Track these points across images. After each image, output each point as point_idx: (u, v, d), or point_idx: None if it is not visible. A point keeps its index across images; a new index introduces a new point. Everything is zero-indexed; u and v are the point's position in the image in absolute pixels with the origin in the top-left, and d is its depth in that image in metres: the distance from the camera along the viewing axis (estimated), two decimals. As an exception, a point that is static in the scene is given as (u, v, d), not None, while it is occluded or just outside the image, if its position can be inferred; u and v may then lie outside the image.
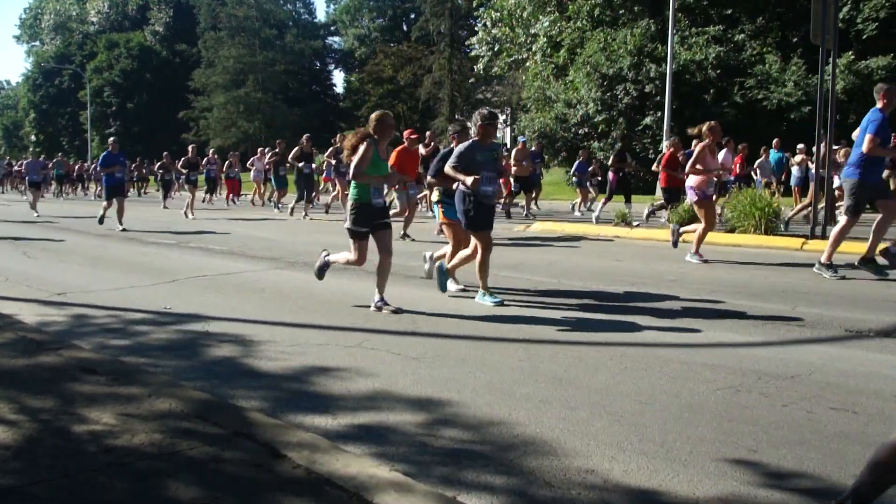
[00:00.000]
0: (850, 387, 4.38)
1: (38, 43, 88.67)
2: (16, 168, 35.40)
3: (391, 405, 4.11)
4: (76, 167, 37.57)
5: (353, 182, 6.74)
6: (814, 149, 13.00)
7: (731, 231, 12.49)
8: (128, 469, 3.02)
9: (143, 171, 36.56)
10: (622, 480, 3.14)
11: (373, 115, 6.88)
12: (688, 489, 3.05)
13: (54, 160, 32.97)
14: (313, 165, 19.22)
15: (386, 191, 12.97)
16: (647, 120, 26.74)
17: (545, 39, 33.11)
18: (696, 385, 4.44)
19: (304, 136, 19.28)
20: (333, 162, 19.13)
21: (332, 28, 78.58)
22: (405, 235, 12.58)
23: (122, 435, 3.37)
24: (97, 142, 69.54)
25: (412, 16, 70.15)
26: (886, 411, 3.98)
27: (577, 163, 20.24)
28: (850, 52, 25.15)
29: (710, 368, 4.79)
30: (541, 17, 33.79)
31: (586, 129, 28.80)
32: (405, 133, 12.85)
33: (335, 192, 20.49)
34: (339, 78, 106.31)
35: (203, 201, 25.17)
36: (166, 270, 9.30)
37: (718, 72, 26.87)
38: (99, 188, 32.42)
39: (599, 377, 4.63)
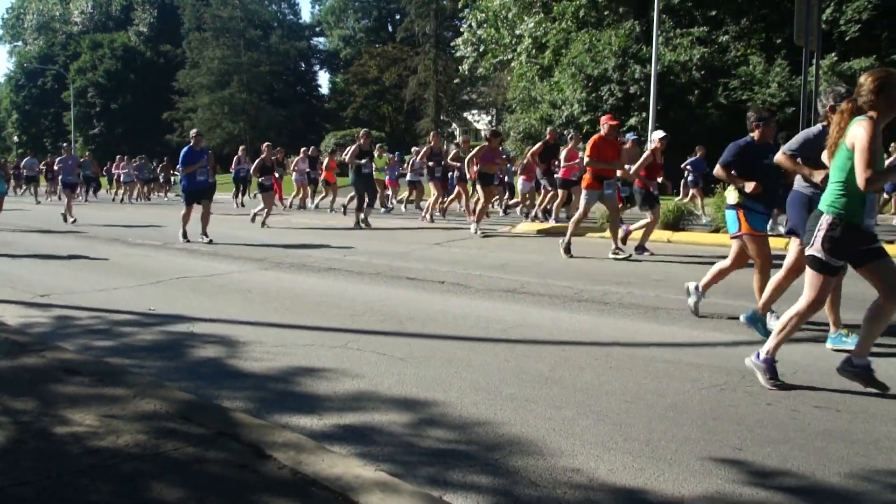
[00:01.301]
0: (834, 385, 4.40)
1: (20, 43, 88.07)
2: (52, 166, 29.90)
3: (377, 405, 4.11)
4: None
5: (838, 193, 4.20)
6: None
7: (716, 231, 12.55)
8: (112, 471, 3.00)
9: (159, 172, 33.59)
10: (607, 479, 3.15)
11: (868, 79, 4.11)
12: (673, 488, 3.07)
13: (82, 160, 30.63)
14: (374, 165, 16.36)
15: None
16: (632, 121, 26.81)
17: (530, 40, 33.15)
18: (681, 384, 4.46)
19: (363, 132, 16.30)
20: (430, 164, 17.52)
21: (317, 29, 78.51)
22: (617, 249, 10.36)
23: (107, 436, 3.35)
24: (81, 143, 69.14)
25: (397, 17, 70.15)
26: (870, 409, 4.01)
27: (693, 158, 17.40)
28: (833, 54, 25.32)
29: (696, 367, 4.82)
30: (526, 18, 33.81)
31: (571, 130, 28.84)
32: (603, 119, 10.65)
33: (434, 197, 17.87)
34: (324, 79, 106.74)
35: (236, 206, 23.23)
36: (151, 272, 9.25)
37: (703, 73, 27.00)
38: (119, 189, 30.77)
39: (585, 377, 4.64)
